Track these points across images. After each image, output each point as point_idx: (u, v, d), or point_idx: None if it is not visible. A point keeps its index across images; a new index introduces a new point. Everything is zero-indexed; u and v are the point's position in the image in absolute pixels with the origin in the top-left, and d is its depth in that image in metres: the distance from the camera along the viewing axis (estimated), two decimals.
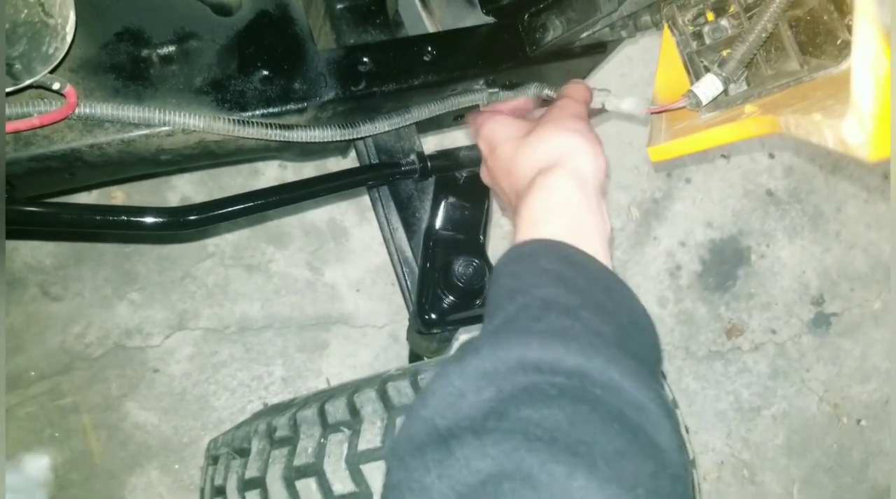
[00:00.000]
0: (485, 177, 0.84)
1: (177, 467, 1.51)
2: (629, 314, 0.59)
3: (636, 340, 0.58)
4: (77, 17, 0.72)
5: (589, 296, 0.56)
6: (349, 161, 1.49)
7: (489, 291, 0.62)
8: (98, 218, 0.80)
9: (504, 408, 0.44)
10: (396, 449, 0.46)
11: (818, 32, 0.74)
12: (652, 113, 0.83)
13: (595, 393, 0.46)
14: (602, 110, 0.91)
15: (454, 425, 0.44)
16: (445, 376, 0.48)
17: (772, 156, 2.10)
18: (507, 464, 0.40)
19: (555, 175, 0.66)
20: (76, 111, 0.76)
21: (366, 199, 1.70)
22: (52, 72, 0.70)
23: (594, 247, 0.63)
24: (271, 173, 1.70)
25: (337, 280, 1.70)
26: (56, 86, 0.72)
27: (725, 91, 0.82)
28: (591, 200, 0.66)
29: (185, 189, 1.65)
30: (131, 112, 0.80)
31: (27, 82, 0.69)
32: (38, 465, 0.35)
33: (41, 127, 0.76)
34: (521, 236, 0.64)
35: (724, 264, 1.98)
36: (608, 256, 0.65)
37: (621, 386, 0.47)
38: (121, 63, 0.86)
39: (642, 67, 2.01)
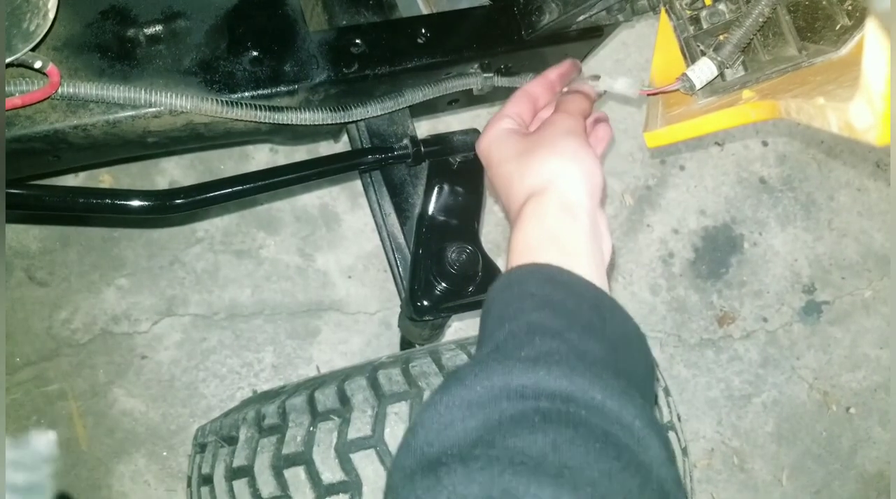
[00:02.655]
0: (489, 189, 0.83)
1: (165, 454, 1.50)
2: (619, 332, 0.60)
3: (626, 356, 0.58)
4: None
5: (576, 317, 0.57)
6: (342, 145, 1.48)
7: (482, 319, 0.63)
8: (82, 201, 0.78)
9: (491, 436, 0.45)
10: (389, 480, 0.47)
11: (817, 17, 0.73)
12: (644, 94, 0.81)
13: (580, 415, 0.46)
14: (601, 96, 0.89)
15: (442, 453, 0.45)
16: (433, 405, 0.49)
17: (765, 143, 2.09)
18: (493, 490, 0.40)
19: (545, 202, 0.65)
20: (59, 91, 0.74)
21: (358, 184, 1.68)
22: (33, 49, 0.68)
23: (586, 269, 0.62)
24: (262, 157, 1.68)
25: (328, 266, 1.68)
26: (38, 64, 0.70)
27: (722, 76, 0.81)
28: (583, 222, 0.65)
29: (174, 172, 1.63)
30: (117, 92, 0.78)
31: (8, 60, 0.67)
32: (43, 440, 0.35)
33: (23, 107, 0.74)
34: (513, 263, 0.64)
35: (717, 252, 1.98)
36: (602, 275, 0.64)
37: (605, 406, 0.47)
38: (106, 42, 0.84)
39: (637, 53, 1.99)
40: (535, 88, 0.84)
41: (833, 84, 0.57)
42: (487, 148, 0.77)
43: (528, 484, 0.40)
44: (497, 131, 0.77)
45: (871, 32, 0.37)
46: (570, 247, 0.63)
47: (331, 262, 1.68)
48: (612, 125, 0.89)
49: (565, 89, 0.86)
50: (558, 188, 0.66)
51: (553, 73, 0.87)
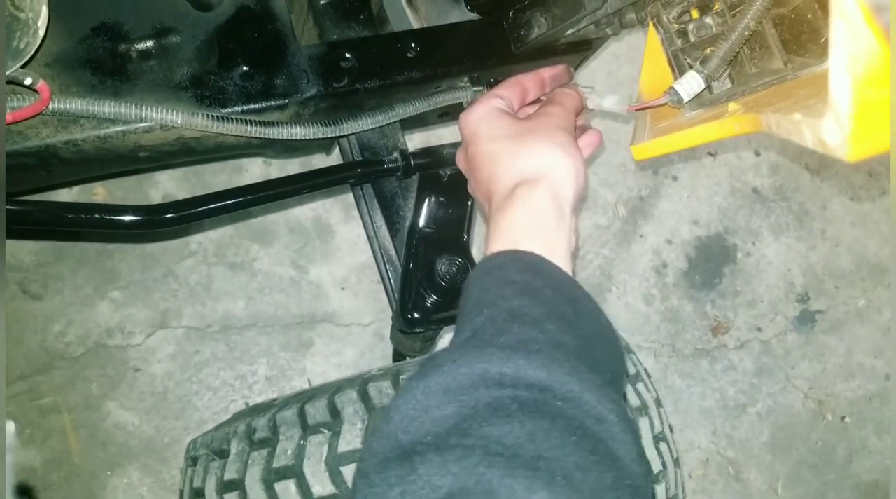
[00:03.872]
0: (461, 162, 0.82)
1: (158, 467, 1.49)
2: (593, 326, 0.60)
3: (599, 351, 0.58)
4: (50, 11, 0.71)
5: (554, 307, 0.57)
6: (334, 158, 1.48)
7: (460, 304, 0.62)
8: (71, 217, 0.79)
9: (467, 424, 0.44)
10: (362, 465, 0.46)
11: (802, 31, 0.74)
12: (633, 110, 0.82)
13: (556, 405, 0.46)
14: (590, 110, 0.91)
15: (417, 441, 0.44)
16: (409, 391, 0.48)
17: (758, 154, 2.10)
18: (468, 480, 0.40)
19: (537, 191, 0.66)
20: (50, 107, 0.75)
21: (351, 196, 1.69)
22: (23, 67, 0.69)
23: (564, 263, 0.63)
24: (256, 170, 1.68)
25: (322, 278, 1.68)
26: (28, 81, 0.70)
27: (709, 89, 0.82)
28: (567, 220, 0.66)
29: (167, 186, 1.63)
30: (107, 108, 0.78)
31: None
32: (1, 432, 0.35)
33: (13, 123, 0.74)
34: (494, 247, 0.64)
35: (710, 262, 1.99)
36: (572, 272, 0.65)
37: (582, 398, 0.47)
38: (97, 58, 0.84)
39: (629, 65, 2.00)
40: (527, 82, 0.85)
41: (815, 98, 0.58)
42: (476, 122, 0.76)
43: (502, 476, 0.40)
44: (488, 108, 0.77)
45: (835, 48, 0.37)
46: (553, 240, 0.63)
47: (324, 274, 1.69)
48: (605, 136, 0.90)
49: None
50: (552, 180, 0.67)
51: (546, 73, 0.89)
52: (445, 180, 0.99)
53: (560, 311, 0.57)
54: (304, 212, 1.70)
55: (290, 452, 0.81)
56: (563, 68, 0.93)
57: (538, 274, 0.59)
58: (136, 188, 1.61)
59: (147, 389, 1.53)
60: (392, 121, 0.95)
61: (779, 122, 0.53)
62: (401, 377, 0.85)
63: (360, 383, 0.85)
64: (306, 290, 1.67)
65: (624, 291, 1.90)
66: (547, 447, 0.43)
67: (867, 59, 0.36)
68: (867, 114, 0.37)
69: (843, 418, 2.01)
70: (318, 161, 1.63)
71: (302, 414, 0.84)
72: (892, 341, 2.05)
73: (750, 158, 2.09)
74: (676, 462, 1.01)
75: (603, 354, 0.59)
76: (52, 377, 1.49)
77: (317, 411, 0.83)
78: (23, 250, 1.53)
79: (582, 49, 1.05)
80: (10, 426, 0.31)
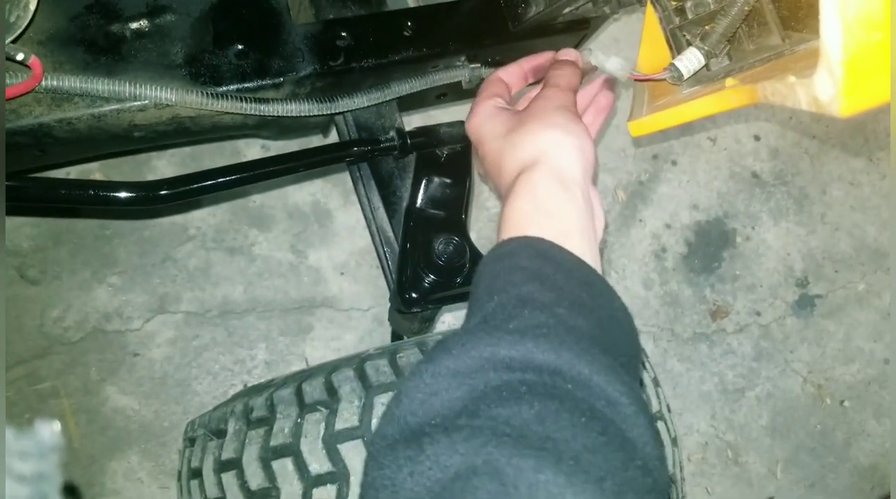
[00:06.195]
0: (478, 168, 0.83)
1: (158, 451, 1.50)
2: (607, 309, 0.59)
3: (613, 334, 0.58)
4: None
5: (566, 291, 0.56)
6: (331, 140, 1.47)
7: (471, 291, 0.62)
8: (66, 192, 0.78)
9: (476, 406, 0.45)
10: (371, 449, 0.47)
11: (800, 6, 0.73)
12: (633, 79, 0.82)
13: (566, 388, 0.46)
14: (592, 73, 0.90)
15: (425, 422, 0.45)
16: (418, 375, 0.49)
17: (757, 138, 2.09)
18: (476, 460, 0.40)
19: (537, 174, 0.65)
20: (42, 83, 0.74)
21: (350, 181, 1.68)
22: (15, 41, 0.68)
23: (578, 244, 0.62)
24: (253, 155, 1.68)
25: (321, 263, 1.68)
26: (20, 56, 0.70)
27: (707, 66, 0.81)
28: (576, 197, 0.65)
29: (165, 171, 1.62)
30: (100, 85, 0.78)
31: None
32: (48, 429, 0.35)
33: (7, 100, 0.74)
34: (503, 236, 0.64)
35: (710, 246, 1.98)
36: (595, 252, 0.64)
37: (591, 381, 0.47)
38: (91, 36, 0.84)
39: (629, 50, 1.99)
40: (508, 77, 0.87)
41: (811, 69, 0.57)
42: (478, 126, 0.77)
43: (510, 455, 0.40)
44: (486, 108, 0.78)
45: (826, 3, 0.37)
46: (562, 222, 0.63)
47: (323, 258, 1.68)
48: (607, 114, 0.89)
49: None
50: (551, 161, 0.66)
51: (528, 64, 0.89)
52: (443, 160, 0.98)
53: (573, 295, 0.56)
54: (303, 197, 1.70)
55: (287, 430, 0.81)
56: (549, 56, 0.92)
57: (548, 260, 0.59)
58: (134, 173, 1.60)
59: (146, 373, 1.53)
60: (388, 99, 0.94)
61: (774, 88, 0.52)
62: (398, 356, 0.85)
63: (358, 362, 0.85)
64: (305, 275, 1.66)
65: (623, 275, 1.90)
66: (555, 429, 0.43)
67: None
68: (861, 60, 0.36)
69: (842, 402, 2.01)
70: (316, 143, 1.62)
71: (299, 393, 0.84)
72: (891, 326, 2.05)
73: (750, 142, 2.09)
74: (674, 442, 1.01)
75: (617, 337, 0.59)
76: (50, 362, 1.49)
77: (314, 389, 0.83)
78: (20, 236, 1.52)
79: (580, 28, 1.04)
80: (56, 425, 0.31)
